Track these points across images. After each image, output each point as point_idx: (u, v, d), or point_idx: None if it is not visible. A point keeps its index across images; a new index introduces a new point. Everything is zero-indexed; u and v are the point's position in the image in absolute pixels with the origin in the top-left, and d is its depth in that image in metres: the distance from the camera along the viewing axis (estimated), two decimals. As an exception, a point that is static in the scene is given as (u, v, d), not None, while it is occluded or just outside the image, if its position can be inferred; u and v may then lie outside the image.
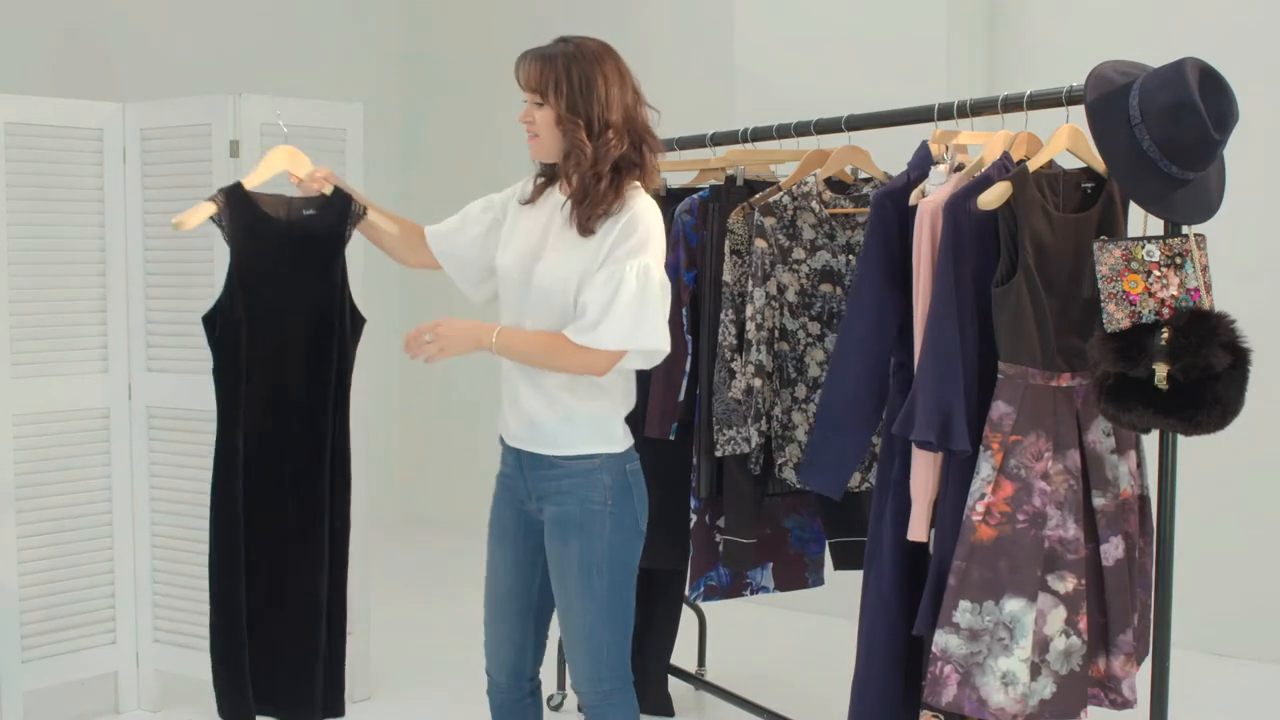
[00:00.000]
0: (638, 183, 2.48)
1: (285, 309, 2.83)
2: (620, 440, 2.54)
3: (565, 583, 2.52)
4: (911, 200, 2.70)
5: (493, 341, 2.46)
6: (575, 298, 2.44)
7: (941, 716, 2.63)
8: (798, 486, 3.23)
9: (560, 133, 2.44)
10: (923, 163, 2.75)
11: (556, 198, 2.54)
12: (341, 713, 3.00)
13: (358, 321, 2.92)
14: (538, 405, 2.51)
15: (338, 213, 2.82)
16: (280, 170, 2.85)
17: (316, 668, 2.93)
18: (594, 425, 2.51)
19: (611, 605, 2.51)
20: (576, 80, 2.41)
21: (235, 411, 2.80)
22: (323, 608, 2.92)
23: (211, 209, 2.77)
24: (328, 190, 2.82)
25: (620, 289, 2.39)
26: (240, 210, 2.79)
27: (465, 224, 2.72)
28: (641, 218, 2.44)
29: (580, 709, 2.59)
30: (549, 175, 2.58)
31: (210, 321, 2.79)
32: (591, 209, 2.43)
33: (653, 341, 2.44)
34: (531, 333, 2.48)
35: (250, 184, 2.83)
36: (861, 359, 2.74)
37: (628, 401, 2.59)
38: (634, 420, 3.33)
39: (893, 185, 2.77)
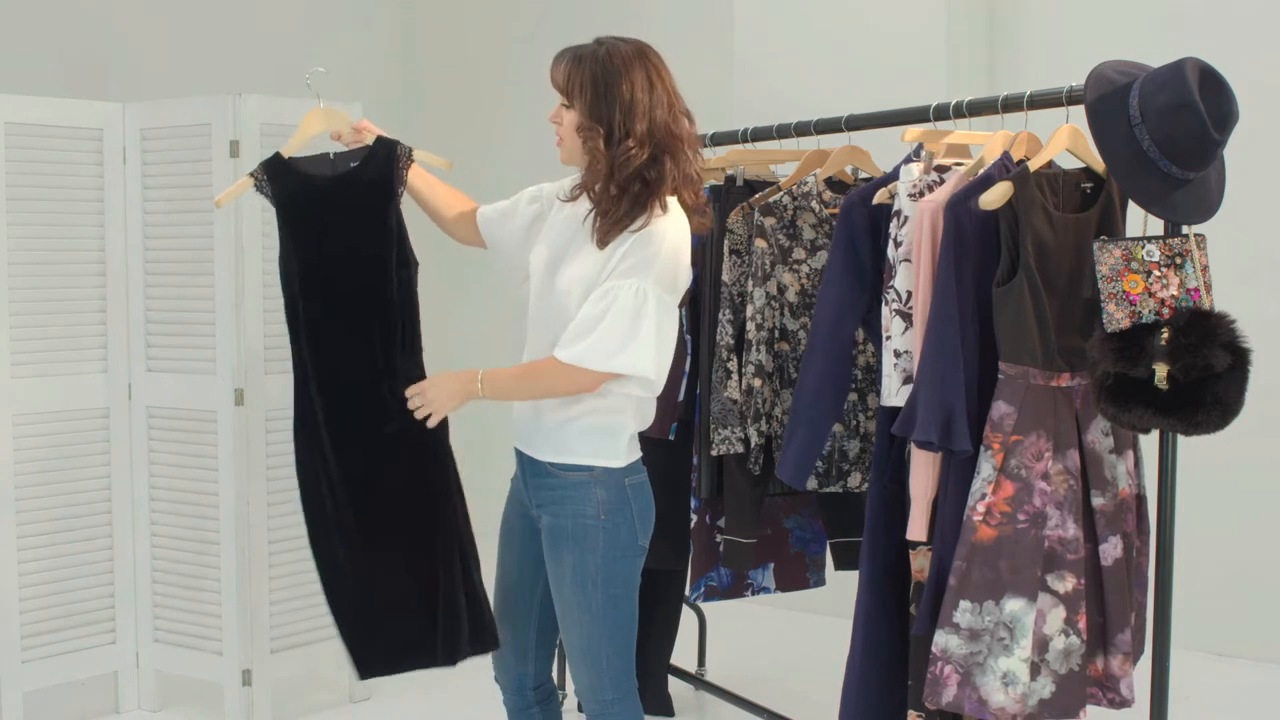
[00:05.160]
0: (673, 199, 2.39)
1: (345, 263, 2.80)
2: (622, 455, 2.45)
3: (562, 594, 2.47)
4: (876, 199, 2.73)
5: (479, 389, 2.43)
6: (578, 308, 2.38)
7: (924, 717, 2.63)
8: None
9: (580, 140, 2.38)
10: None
11: (587, 203, 2.45)
12: (496, 644, 2.78)
13: (412, 266, 2.88)
14: (549, 410, 2.45)
15: (384, 159, 2.79)
16: (317, 133, 2.85)
17: (437, 612, 2.80)
18: (596, 437, 2.43)
19: (609, 619, 2.44)
20: (601, 85, 2.34)
21: (304, 381, 2.81)
22: (435, 554, 2.80)
23: (249, 183, 2.80)
24: (369, 140, 2.81)
25: (611, 308, 2.33)
26: (282, 178, 2.80)
27: (514, 213, 2.65)
28: (655, 237, 2.34)
29: (580, 710, 2.58)
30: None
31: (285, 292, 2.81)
32: (609, 224, 2.35)
33: (637, 366, 2.34)
34: (517, 368, 2.45)
35: (288, 152, 2.84)
36: (823, 354, 2.81)
37: (642, 418, 2.49)
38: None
39: (867, 187, 2.82)
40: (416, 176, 2.79)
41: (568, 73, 2.39)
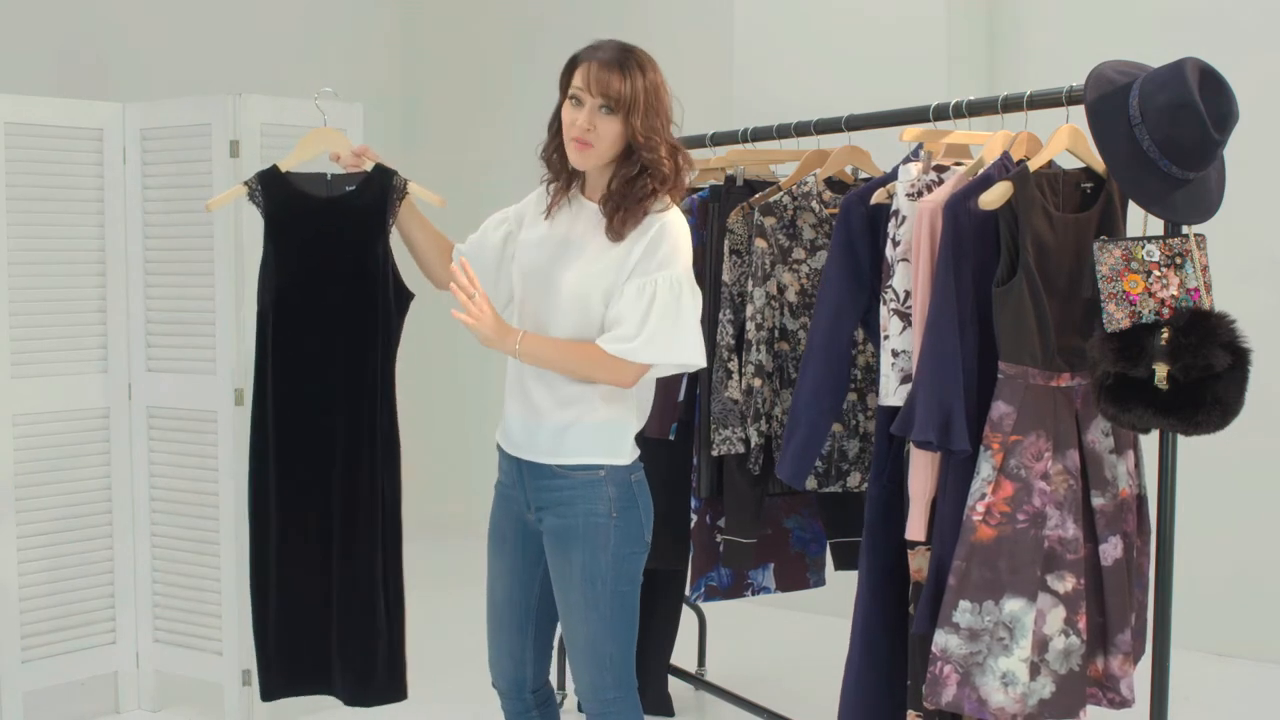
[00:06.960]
0: (667, 196, 2.44)
1: (326, 285, 2.82)
2: (627, 453, 2.48)
3: (568, 594, 2.47)
4: (874, 199, 2.73)
5: (517, 347, 2.41)
6: (599, 305, 2.41)
7: (923, 717, 2.63)
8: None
9: (620, 146, 2.39)
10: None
11: (581, 204, 2.48)
12: (403, 696, 3.01)
13: (404, 296, 2.89)
14: (549, 412, 2.45)
15: (379, 188, 2.80)
16: (318, 152, 2.86)
17: (376, 651, 2.93)
18: (603, 436, 2.45)
19: (615, 617, 2.46)
20: (653, 97, 2.38)
21: (262, 395, 2.84)
22: (378, 590, 2.91)
23: (242, 191, 2.82)
24: (368, 167, 2.81)
25: (654, 302, 2.36)
26: (276, 191, 2.81)
27: (485, 241, 2.67)
28: (670, 230, 2.41)
29: (580, 710, 2.58)
30: (564, 181, 2.51)
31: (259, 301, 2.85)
32: (629, 217, 2.39)
33: (688, 355, 2.42)
34: (557, 339, 2.43)
35: (286, 165, 2.86)
36: (821, 354, 2.81)
37: (641, 414, 2.54)
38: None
39: (865, 187, 2.82)
40: (409, 213, 2.80)
41: (622, 84, 2.36)
